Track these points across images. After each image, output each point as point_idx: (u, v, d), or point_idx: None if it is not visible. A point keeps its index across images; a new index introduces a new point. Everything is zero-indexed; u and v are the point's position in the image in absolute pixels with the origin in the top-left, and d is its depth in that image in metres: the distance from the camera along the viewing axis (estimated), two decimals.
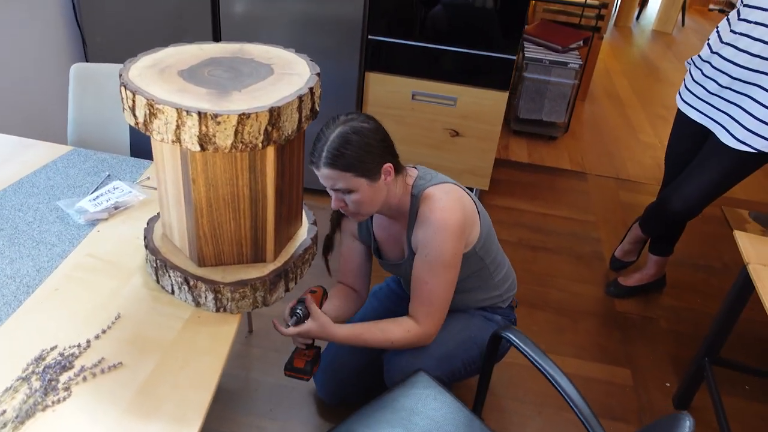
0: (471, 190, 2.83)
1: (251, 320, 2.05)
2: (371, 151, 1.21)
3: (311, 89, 0.95)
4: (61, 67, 2.51)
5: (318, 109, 1.00)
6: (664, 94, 4.53)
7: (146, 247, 1.08)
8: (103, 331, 0.98)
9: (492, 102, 2.50)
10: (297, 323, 1.25)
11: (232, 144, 0.87)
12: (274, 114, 0.88)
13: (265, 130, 0.88)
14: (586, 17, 3.65)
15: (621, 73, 4.79)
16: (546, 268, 2.51)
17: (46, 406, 0.85)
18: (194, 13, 2.41)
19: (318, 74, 0.99)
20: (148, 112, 0.87)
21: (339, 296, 1.50)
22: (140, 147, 1.63)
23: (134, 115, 0.89)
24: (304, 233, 1.15)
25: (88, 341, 0.96)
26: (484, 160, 2.65)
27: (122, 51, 2.54)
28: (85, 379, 0.90)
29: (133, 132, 1.63)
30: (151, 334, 0.99)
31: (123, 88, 0.89)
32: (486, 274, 1.50)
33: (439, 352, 1.44)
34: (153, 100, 0.85)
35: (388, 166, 1.25)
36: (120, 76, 0.92)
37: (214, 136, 0.85)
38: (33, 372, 0.89)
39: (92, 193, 1.28)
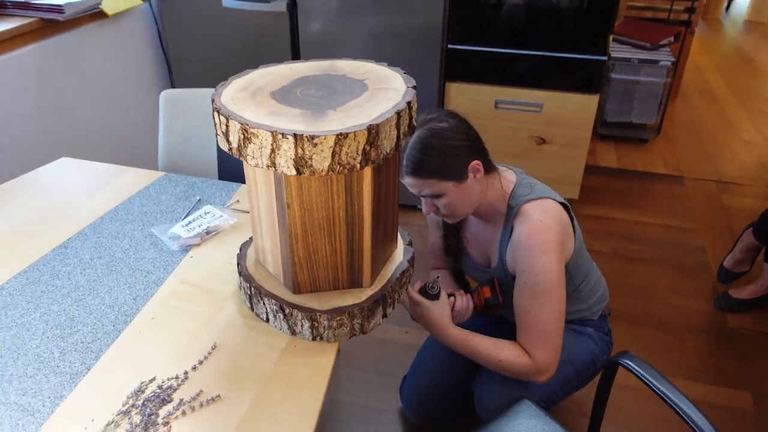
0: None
1: None
2: (453, 153, 1.16)
3: (409, 103, 0.89)
4: (148, 94, 2.60)
5: (415, 124, 0.93)
6: (764, 87, 4.19)
7: (240, 273, 1.05)
8: (200, 362, 0.95)
9: (579, 106, 2.37)
10: (425, 296, 1.23)
11: (329, 166, 0.82)
12: (373, 132, 0.82)
13: (364, 149, 0.83)
14: (675, 11, 3.42)
15: (713, 69, 4.49)
16: (645, 280, 2.34)
17: None
18: (274, 33, 2.43)
19: (414, 87, 0.93)
20: (242, 137, 0.83)
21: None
22: (228, 169, 1.63)
23: (227, 141, 0.86)
24: (400, 255, 1.09)
25: (186, 373, 0.94)
26: (573, 167, 2.52)
27: (207, 75, 2.60)
28: (184, 413, 0.87)
29: (221, 155, 1.64)
30: (247, 365, 0.95)
31: (216, 114, 0.87)
32: (570, 287, 1.39)
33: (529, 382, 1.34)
34: (247, 125, 0.82)
35: (475, 163, 1.19)
36: (213, 101, 0.89)
37: (311, 158, 0.81)
38: (133, 406, 0.87)
39: (184, 218, 1.28)
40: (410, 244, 1.12)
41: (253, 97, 0.91)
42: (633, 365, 1.05)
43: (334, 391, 1.88)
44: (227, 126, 0.85)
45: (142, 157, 2.54)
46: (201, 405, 0.88)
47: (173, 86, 2.69)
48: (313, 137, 0.79)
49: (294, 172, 0.82)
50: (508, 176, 1.29)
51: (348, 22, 2.36)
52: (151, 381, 0.92)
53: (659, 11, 3.54)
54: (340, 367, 1.96)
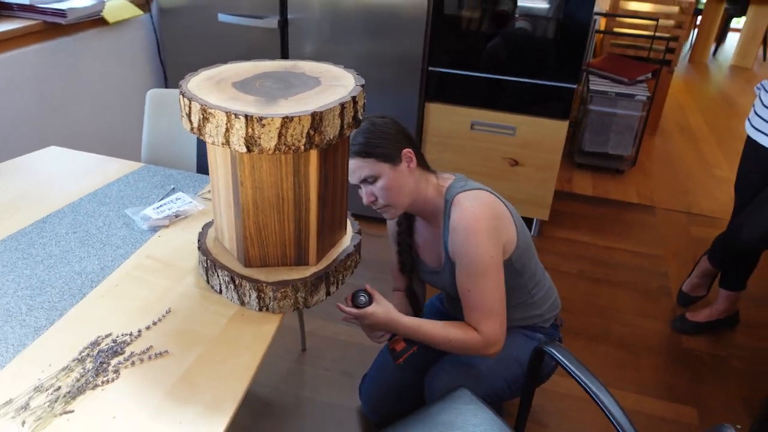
0: (530, 220, 2.80)
1: (305, 339, 2.09)
2: (387, 137, 1.29)
3: (354, 98, 1.00)
4: (142, 99, 2.72)
5: (361, 118, 1.04)
6: (742, 128, 4.33)
7: (199, 248, 1.15)
8: (154, 323, 1.05)
9: (552, 131, 2.49)
10: (360, 307, 1.28)
11: (275, 146, 0.92)
12: (317, 118, 0.93)
13: (308, 133, 0.93)
14: (655, 50, 3.58)
15: (696, 109, 4.64)
16: (609, 301, 2.43)
17: (96, 386, 0.91)
18: (265, 48, 2.57)
19: (362, 86, 1.05)
20: (201, 116, 0.94)
21: (398, 303, 1.54)
22: (206, 165, 1.74)
23: (190, 121, 0.97)
24: (347, 241, 1.19)
25: (140, 331, 1.03)
26: (544, 189, 2.63)
27: None
28: (133, 363, 0.96)
29: (200, 151, 1.74)
30: (197, 329, 1.04)
31: (181, 96, 0.98)
32: (524, 292, 1.47)
33: (478, 371, 1.42)
34: (206, 106, 0.93)
35: (407, 150, 1.31)
36: (180, 86, 1.00)
37: (260, 138, 0.92)
38: (88, 355, 0.96)
39: (157, 202, 1.38)
40: (359, 232, 1.22)
41: (216, 85, 1.02)
42: (555, 352, 1.14)
43: (298, 387, 1.95)
44: (190, 107, 0.96)
45: (131, 155, 2.65)
46: (150, 358, 0.97)
47: None
48: (261, 119, 0.90)
49: (245, 150, 0.93)
50: (446, 177, 1.39)
51: (335, 42, 2.49)
52: (107, 336, 1.01)
53: (641, 49, 3.70)
54: (305, 365, 2.03)
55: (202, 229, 1.21)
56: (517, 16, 2.35)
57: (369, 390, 1.71)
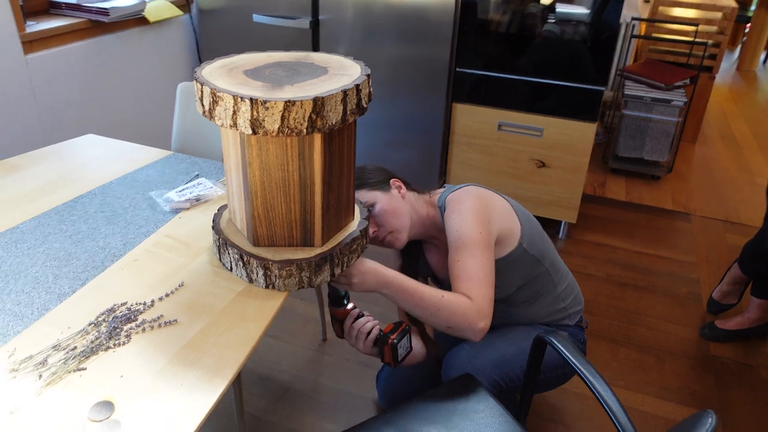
0: (558, 222, 2.78)
1: (326, 330, 2.14)
2: (372, 171, 1.41)
3: (357, 86, 1.04)
4: None
5: (365, 106, 1.08)
6: None
7: (213, 228, 1.21)
8: (167, 295, 1.11)
9: (579, 133, 2.48)
10: (334, 295, 1.27)
11: (279, 128, 0.98)
12: (318, 103, 0.98)
13: (310, 117, 0.98)
14: (695, 56, 3.51)
15: (741, 117, 4.50)
16: (635, 305, 2.39)
17: (108, 347, 0.98)
18: (297, 47, 2.65)
19: (368, 75, 1.09)
20: (212, 100, 1.00)
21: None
22: None
23: (202, 104, 1.03)
24: (354, 226, 1.23)
25: (153, 301, 1.09)
26: (571, 192, 2.62)
27: None
28: (144, 330, 1.02)
29: None
30: (206, 301, 1.10)
31: (195, 82, 1.04)
32: (547, 281, 1.48)
33: (496, 356, 1.43)
34: (216, 89, 0.99)
35: (394, 180, 1.42)
36: (194, 72, 1.07)
37: (264, 120, 0.97)
38: (104, 320, 1.03)
39: (180, 186, 1.45)
40: (367, 219, 1.26)
41: (228, 72, 1.08)
42: (554, 340, 1.15)
43: (316, 375, 2.00)
44: (202, 91, 1.02)
45: (164, 144, 2.77)
46: (159, 326, 1.04)
47: None
48: (265, 101, 0.96)
49: (250, 131, 0.98)
50: (437, 191, 1.47)
51: (365, 43, 2.55)
52: (123, 304, 1.08)
53: (680, 55, 3.63)
54: (325, 354, 2.08)
55: (218, 210, 1.28)
56: (546, 19, 2.35)
57: (386, 384, 1.74)
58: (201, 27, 2.80)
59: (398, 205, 1.37)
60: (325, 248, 1.15)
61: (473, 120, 2.61)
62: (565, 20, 2.33)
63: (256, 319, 1.07)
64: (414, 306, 1.21)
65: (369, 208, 1.34)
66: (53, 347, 0.97)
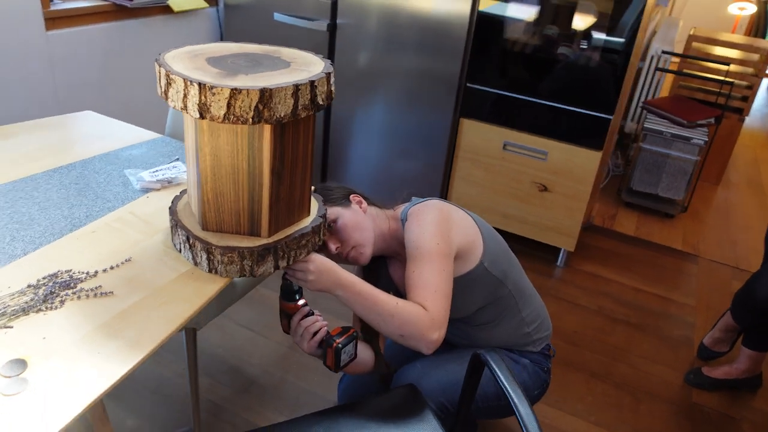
0: (557, 249, 2.74)
1: None
2: (332, 189, 1.42)
3: (313, 83, 1.06)
4: None
5: (322, 103, 1.10)
6: None
7: (169, 209, 1.24)
8: (111, 268, 1.14)
9: (584, 160, 2.45)
10: (287, 288, 1.26)
11: (224, 115, 1.00)
12: (266, 94, 1.00)
13: (256, 107, 1.00)
14: (724, 95, 3.42)
15: None
16: (622, 342, 2.34)
17: (40, 310, 1.01)
18: (314, 48, 2.69)
19: (328, 74, 1.10)
20: (166, 82, 1.03)
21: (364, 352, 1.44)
22: None
23: (160, 85, 1.06)
24: (307, 222, 1.24)
25: (96, 272, 1.12)
26: (571, 219, 2.58)
27: None
28: (79, 297, 1.05)
29: None
30: (147, 277, 1.13)
31: (156, 63, 1.07)
32: (510, 304, 1.46)
33: (447, 378, 1.42)
34: (170, 72, 1.02)
35: (354, 195, 1.42)
36: (158, 55, 1.10)
37: (210, 105, 0.99)
38: (43, 284, 1.07)
39: (155, 168, 1.49)
40: (323, 217, 1.27)
41: (190, 58, 1.11)
42: (488, 358, 1.13)
43: (284, 371, 2.02)
44: (159, 73, 1.05)
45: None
46: (95, 295, 1.07)
47: None
48: (212, 87, 0.98)
49: (198, 115, 1.01)
50: (402, 205, 1.46)
51: (378, 51, 2.58)
52: (67, 271, 1.11)
53: (710, 94, 3.55)
54: (298, 353, 2.09)
55: (180, 193, 1.31)
56: (560, 42, 2.34)
57: (346, 388, 1.74)
58: (226, 21, 2.87)
59: (360, 219, 1.37)
60: (270, 240, 1.17)
61: (479, 137, 2.60)
62: (579, 44, 2.31)
63: (191, 301, 1.08)
64: (367, 310, 1.20)
65: (330, 224, 1.35)
66: None
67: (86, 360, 0.93)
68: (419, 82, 2.56)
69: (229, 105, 0.99)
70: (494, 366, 1.12)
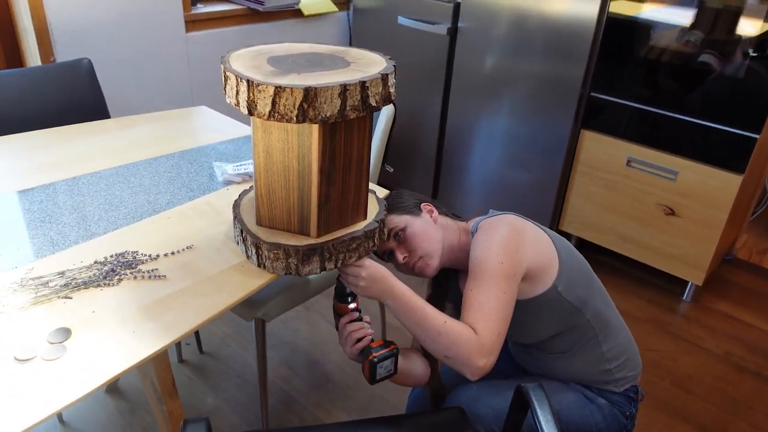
0: (684, 283, 2.44)
1: (386, 331, 2.14)
2: (403, 196, 1.38)
3: (364, 83, 1.03)
4: None
5: (375, 105, 1.07)
6: None
7: (234, 201, 1.28)
8: (172, 253, 1.21)
9: (721, 183, 2.16)
10: (341, 294, 1.25)
11: (270, 112, 1.01)
12: (311, 93, 0.99)
13: (301, 106, 1.00)
14: None
15: None
16: (746, 396, 2.02)
17: (99, 285, 1.10)
18: (435, 52, 2.67)
19: (384, 75, 1.07)
20: (223, 77, 1.07)
21: (407, 356, 1.38)
22: None
23: (223, 80, 1.10)
24: (361, 226, 1.22)
25: (158, 255, 1.20)
26: (701, 249, 2.29)
27: None
28: (135, 278, 1.13)
29: None
30: (199, 265, 1.18)
31: (221, 62, 1.12)
32: (588, 334, 1.32)
33: (502, 407, 1.32)
34: (227, 69, 1.05)
35: (425, 204, 1.36)
36: (226, 53, 1.14)
37: (257, 102, 1.01)
38: (109, 261, 1.16)
39: (240, 162, 1.56)
40: (380, 222, 1.24)
41: (253, 57, 1.14)
42: (530, 393, 1.03)
43: (359, 371, 2.01)
44: (222, 69, 1.09)
45: None
46: (150, 277, 1.13)
47: None
48: (258, 84, 0.99)
49: (246, 111, 1.03)
50: (476, 218, 1.36)
51: (496, 55, 2.48)
52: (133, 252, 1.20)
53: None
54: None
55: (249, 188, 1.35)
56: (701, 48, 2.08)
57: (415, 401, 1.69)
58: (354, 25, 2.94)
59: (429, 229, 1.32)
60: (318, 240, 1.16)
61: (601, 150, 2.40)
62: (725, 52, 2.04)
63: (232, 293, 1.11)
64: (415, 325, 1.16)
65: (399, 232, 1.32)
66: (59, 274, 1.11)
67: (120, 337, 0.99)
68: (539, 89, 2.42)
69: (274, 103, 1.00)
70: (534, 402, 1.01)
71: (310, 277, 1.63)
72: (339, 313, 1.29)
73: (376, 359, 1.19)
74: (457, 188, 2.88)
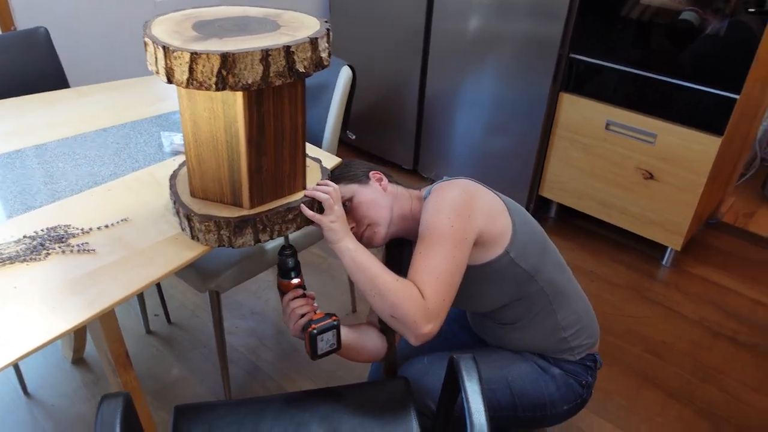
0: (663, 248, 2.40)
1: (356, 301, 2.12)
2: (352, 166, 1.33)
3: (288, 48, 0.98)
4: None
5: (304, 71, 1.02)
6: None
7: (172, 173, 1.25)
8: (106, 226, 1.18)
9: (700, 146, 2.10)
10: (284, 266, 1.21)
11: (187, 80, 0.96)
12: (229, 60, 0.94)
13: (219, 72, 0.95)
14: None
15: None
16: (719, 362, 2.00)
17: (24, 260, 1.08)
18: (408, 12, 2.59)
19: (313, 39, 1.02)
20: (144, 44, 1.02)
21: (361, 331, 1.34)
22: None
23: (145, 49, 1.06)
24: (298, 197, 1.18)
25: (91, 229, 1.17)
26: (680, 214, 2.24)
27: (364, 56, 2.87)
28: (63, 252, 1.10)
29: None
30: (132, 238, 1.15)
31: (143, 26, 1.07)
32: (542, 302, 1.29)
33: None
34: (145, 35, 1.00)
35: (375, 172, 1.31)
36: (154, 18, 1.09)
37: (174, 70, 0.96)
38: (39, 236, 1.13)
39: None
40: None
41: (178, 22, 1.09)
42: (460, 363, 1.01)
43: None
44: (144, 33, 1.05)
45: None
46: (79, 251, 1.11)
47: None
48: (174, 51, 0.95)
49: (165, 80, 0.99)
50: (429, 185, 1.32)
51: (474, 17, 2.40)
52: (65, 226, 1.17)
53: None
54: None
55: None
56: (683, 5, 1.99)
57: (378, 369, 1.68)
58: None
59: (377, 197, 1.27)
60: (251, 212, 1.13)
61: (579, 114, 2.34)
62: (708, 8, 1.95)
63: (163, 265, 1.09)
64: (367, 278, 1.12)
65: (346, 202, 1.27)
66: None
67: (40, 313, 0.97)
68: (518, 51, 2.35)
69: (191, 70, 0.96)
70: (463, 373, 0.99)
71: (267, 247, 1.61)
72: (282, 291, 1.26)
73: (315, 330, 1.16)
74: (437, 156, 2.83)
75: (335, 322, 1.19)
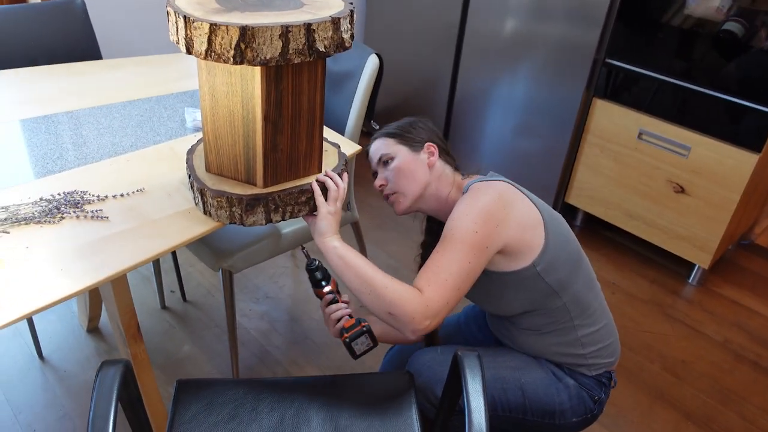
0: (691, 266, 2.33)
1: None
2: (418, 127, 1.30)
3: (309, 26, 0.97)
4: None
5: (324, 50, 1.01)
6: None
7: (190, 147, 1.25)
8: (122, 195, 1.19)
9: (735, 162, 2.03)
10: (313, 278, 1.26)
11: (206, 51, 0.96)
12: (248, 33, 0.94)
13: (237, 45, 0.95)
14: None
15: None
16: (740, 386, 1.93)
17: (39, 222, 1.09)
18: (445, 23, 2.56)
19: (335, 20, 1.01)
20: (167, 13, 1.02)
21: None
22: None
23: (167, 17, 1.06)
24: (313, 179, 1.17)
25: (107, 196, 1.18)
26: (710, 231, 2.17)
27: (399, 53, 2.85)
28: (77, 217, 1.11)
29: None
30: (148, 209, 1.16)
31: None
32: (564, 318, 1.24)
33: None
34: (168, 4, 1.00)
35: (430, 144, 1.28)
36: None
37: (194, 41, 0.96)
38: (55, 199, 1.15)
39: None
40: (340, 175, 1.19)
41: None
42: (464, 360, 0.98)
43: None
44: (167, 4, 1.05)
45: None
46: (92, 217, 1.12)
47: None
48: (194, 21, 0.95)
49: (185, 50, 0.98)
50: (475, 175, 1.29)
51: (510, 17, 2.36)
52: (82, 192, 1.19)
53: None
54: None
55: None
56: (728, 14, 1.92)
57: (391, 360, 1.67)
58: None
59: (416, 169, 1.26)
60: (264, 190, 1.12)
61: (612, 121, 2.28)
62: (754, 19, 1.88)
63: (172, 238, 1.09)
64: (360, 277, 1.10)
65: (388, 160, 1.27)
66: (2, 208, 1.11)
67: (46, 274, 0.98)
68: (552, 53, 2.30)
69: (210, 41, 0.95)
70: (466, 370, 0.97)
71: (283, 231, 1.60)
72: (318, 296, 1.29)
73: (348, 339, 1.22)
74: (464, 155, 2.80)
75: (365, 328, 1.23)
